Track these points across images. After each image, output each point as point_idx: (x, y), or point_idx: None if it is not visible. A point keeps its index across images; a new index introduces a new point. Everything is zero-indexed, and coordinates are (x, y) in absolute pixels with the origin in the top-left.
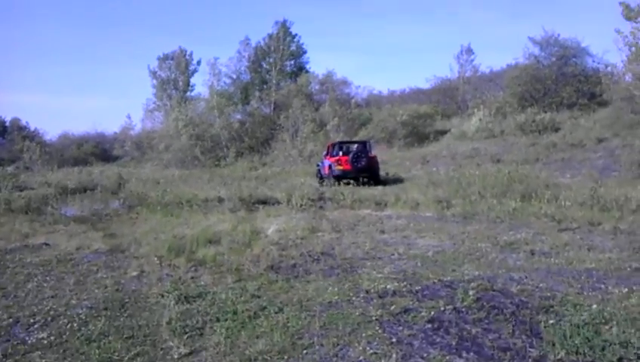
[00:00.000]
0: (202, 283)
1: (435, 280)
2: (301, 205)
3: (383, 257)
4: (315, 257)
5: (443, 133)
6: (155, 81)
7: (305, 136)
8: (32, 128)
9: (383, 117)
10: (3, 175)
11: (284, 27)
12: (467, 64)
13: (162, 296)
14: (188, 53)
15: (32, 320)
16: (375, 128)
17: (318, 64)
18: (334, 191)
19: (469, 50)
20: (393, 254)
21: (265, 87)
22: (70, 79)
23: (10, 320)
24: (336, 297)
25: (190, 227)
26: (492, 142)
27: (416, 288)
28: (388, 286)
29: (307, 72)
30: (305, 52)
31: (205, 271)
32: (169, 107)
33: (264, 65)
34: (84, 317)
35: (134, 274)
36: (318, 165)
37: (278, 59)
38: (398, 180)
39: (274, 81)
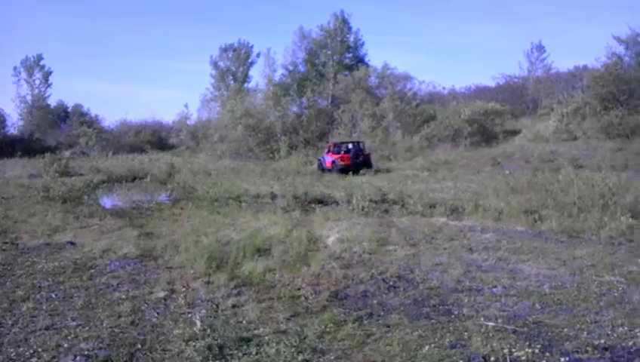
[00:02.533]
0: (245, 319)
1: (587, 347)
2: (363, 208)
3: (482, 290)
4: (391, 283)
5: (513, 133)
6: (214, 72)
7: (363, 131)
8: (93, 115)
9: (447, 114)
10: (50, 160)
11: (342, 19)
12: (538, 62)
13: (187, 344)
14: (248, 45)
15: None
16: (439, 126)
17: (378, 61)
18: (399, 193)
19: (541, 48)
20: (495, 286)
21: (322, 79)
22: (131, 69)
23: None
24: None
25: (237, 229)
26: (572, 145)
27: (561, 359)
28: (515, 352)
29: (366, 65)
30: (363, 43)
31: (251, 295)
32: (226, 98)
33: (321, 57)
34: None
35: (161, 295)
36: (319, 160)
37: (336, 51)
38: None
39: (331, 74)
